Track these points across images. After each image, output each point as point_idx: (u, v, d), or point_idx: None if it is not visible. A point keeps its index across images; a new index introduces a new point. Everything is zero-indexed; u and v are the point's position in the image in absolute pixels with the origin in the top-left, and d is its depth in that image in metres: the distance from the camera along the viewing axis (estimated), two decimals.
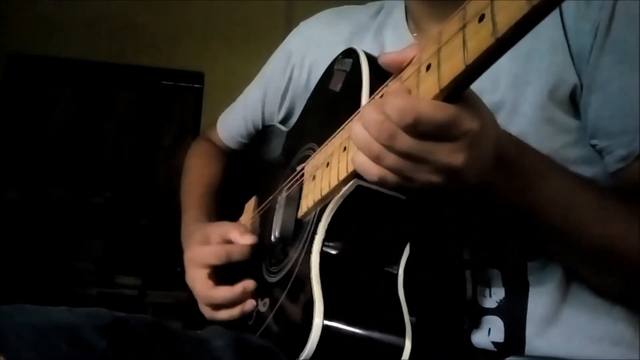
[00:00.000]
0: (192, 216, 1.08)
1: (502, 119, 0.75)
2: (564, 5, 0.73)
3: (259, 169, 1.09)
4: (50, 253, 2.62)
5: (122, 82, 2.91)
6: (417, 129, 0.52)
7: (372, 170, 0.57)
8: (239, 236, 0.88)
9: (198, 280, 0.89)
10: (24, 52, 2.81)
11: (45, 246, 2.62)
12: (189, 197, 1.14)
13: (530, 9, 0.41)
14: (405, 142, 0.53)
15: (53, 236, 2.65)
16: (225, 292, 0.86)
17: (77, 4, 2.80)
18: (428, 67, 0.53)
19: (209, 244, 0.90)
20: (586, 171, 0.76)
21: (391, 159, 0.55)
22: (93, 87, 2.90)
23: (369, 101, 0.67)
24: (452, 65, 0.50)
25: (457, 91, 0.51)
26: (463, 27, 0.49)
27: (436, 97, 0.52)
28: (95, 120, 2.88)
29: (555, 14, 0.74)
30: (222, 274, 0.89)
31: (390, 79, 0.62)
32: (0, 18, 2.73)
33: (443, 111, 0.52)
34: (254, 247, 0.88)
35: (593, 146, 0.77)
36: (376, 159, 0.56)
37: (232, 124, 1.19)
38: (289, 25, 2.83)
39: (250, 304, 0.85)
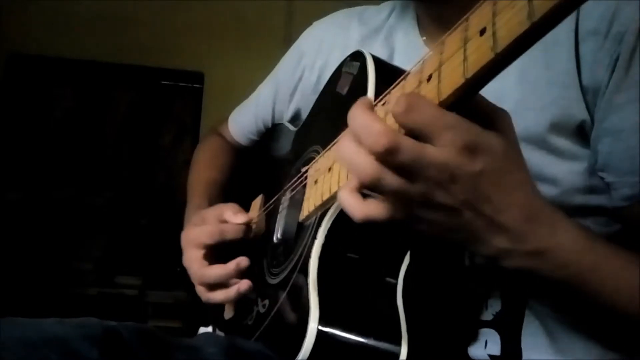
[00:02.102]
0: (196, 204, 1.09)
1: None
2: (582, 35, 0.72)
3: (267, 166, 1.09)
4: (50, 253, 2.61)
5: (122, 82, 2.91)
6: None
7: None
8: (232, 215, 0.90)
9: (193, 260, 0.89)
10: (24, 52, 2.80)
11: (45, 246, 2.61)
12: (195, 187, 1.16)
13: (530, 25, 0.41)
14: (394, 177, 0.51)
15: (53, 236, 2.65)
16: (218, 270, 0.87)
17: (77, 4, 2.79)
18: (429, 78, 0.53)
19: (205, 225, 0.91)
20: (592, 200, 0.75)
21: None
22: (93, 87, 2.89)
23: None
24: (452, 78, 0.49)
25: (457, 104, 0.51)
26: (464, 40, 0.48)
27: None
28: (96, 120, 2.88)
29: (570, 43, 0.73)
30: (222, 261, 0.89)
31: (393, 85, 0.62)
32: (0, 18, 2.72)
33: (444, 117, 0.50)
34: (248, 227, 0.89)
35: (601, 178, 0.75)
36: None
37: (243, 120, 1.20)
38: (289, 25, 2.83)
39: (245, 283, 0.84)
